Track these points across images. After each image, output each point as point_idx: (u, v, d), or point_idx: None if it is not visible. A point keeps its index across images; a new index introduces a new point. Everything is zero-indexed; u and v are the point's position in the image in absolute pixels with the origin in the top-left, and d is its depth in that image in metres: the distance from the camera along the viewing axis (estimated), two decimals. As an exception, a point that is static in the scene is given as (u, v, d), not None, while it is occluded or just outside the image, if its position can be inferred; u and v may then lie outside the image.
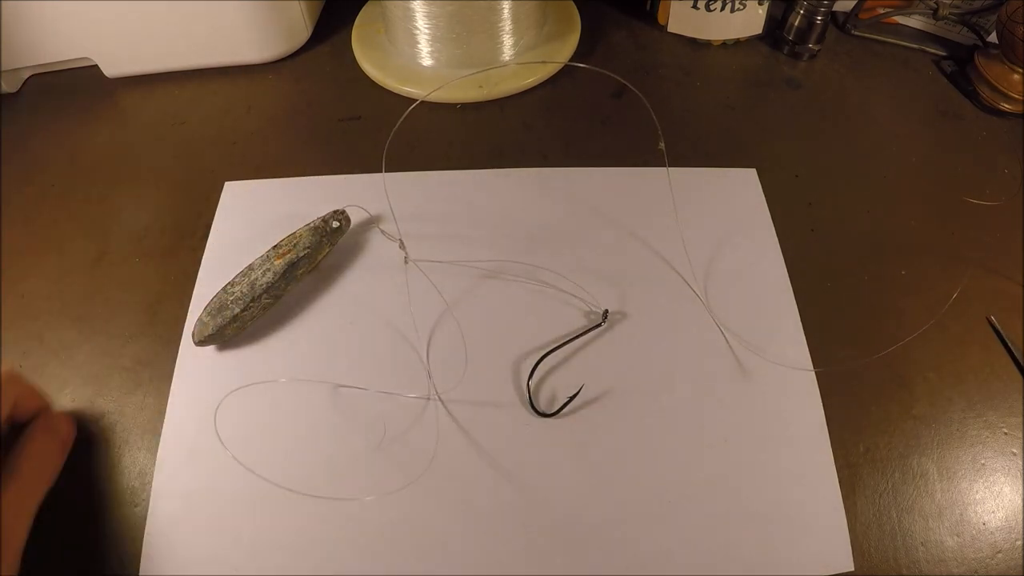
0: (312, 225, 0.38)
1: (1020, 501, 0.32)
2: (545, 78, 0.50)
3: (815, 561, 0.30)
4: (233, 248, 0.39)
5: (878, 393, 0.35)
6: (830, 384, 0.35)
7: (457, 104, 0.48)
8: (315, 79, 0.51)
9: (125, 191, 0.44)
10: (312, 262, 0.38)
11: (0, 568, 0.25)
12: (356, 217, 0.40)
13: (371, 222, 0.41)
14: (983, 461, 0.33)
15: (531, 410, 0.34)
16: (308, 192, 0.42)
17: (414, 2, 0.46)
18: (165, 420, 0.33)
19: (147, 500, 0.31)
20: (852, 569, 0.30)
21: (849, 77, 0.52)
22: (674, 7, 0.52)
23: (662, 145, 0.40)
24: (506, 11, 0.47)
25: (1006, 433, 0.34)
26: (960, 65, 0.52)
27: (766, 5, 0.51)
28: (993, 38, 0.51)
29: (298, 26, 0.51)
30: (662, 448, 0.33)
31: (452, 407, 0.34)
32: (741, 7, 0.51)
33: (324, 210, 0.39)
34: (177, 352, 0.36)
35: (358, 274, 0.39)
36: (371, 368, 0.35)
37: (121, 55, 0.49)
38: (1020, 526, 0.31)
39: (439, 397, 0.34)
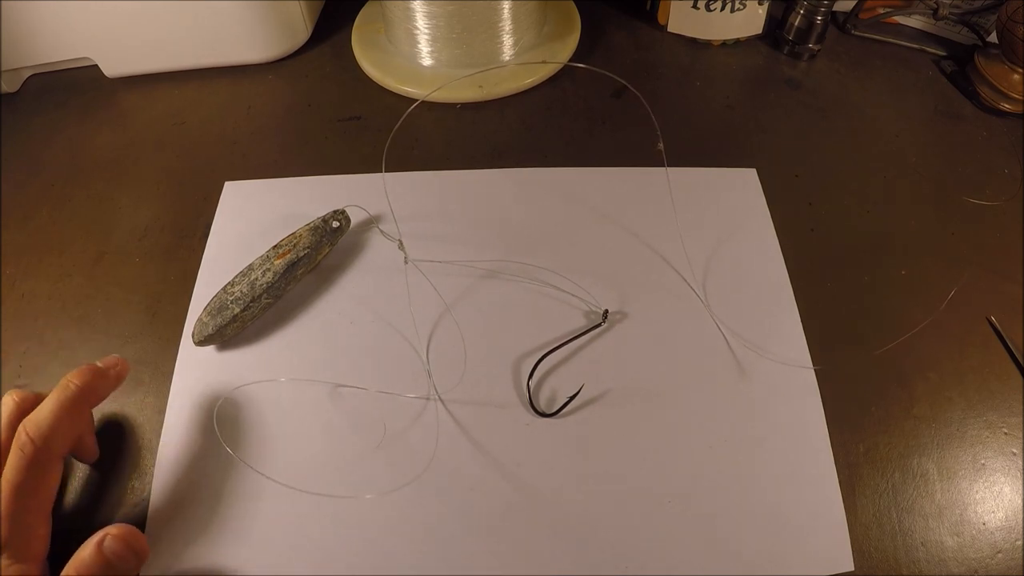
0: (312, 225, 0.38)
1: (1020, 501, 0.32)
2: (545, 78, 0.50)
3: (815, 561, 0.30)
4: (233, 248, 0.39)
5: (878, 393, 0.35)
6: (830, 384, 0.35)
7: (457, 104, 0.48)
8: (315, 79, 0.51)
9: (125, 191, 0.44)
10: (312, 262, 0.38)
11: None
12: (356, 217, 0.40)
13: (371, 222, 0.41)
14: (983, 461, 0.33)
15: (531, 410, 0.34)
16: (308, 192, 0.42)
17: (414, 2, 0.46)
18: (165, 420, 0.33)
19: (147, 500, 0.31)
20: (852, 569, 0.30)
21: (849, 77, 0.52)
22: (674, 7, 0.52)
23: (661, 145, 0.40)
24: (506, 11, 0.47)
25: (1006, 433, 0.34)
26: (960, 65, 0.52)
27: (766, 5, 0.51)
28: (993, 38, 0.51)
29: (298, 26, 0.51)
30: (662, 448, 0.33)
31: (452, 407, 0.34)
32: (741, 7, 0.51)
33: (324, 210, 0.39)
34: (177, 352, 0.36)
35: (358, 274, 0.39)
36: (371, 368, 0.35)
37: (121, 55, 0.49)
38: (1020, 526, 0.31)
39: (439, 397, 0.34)
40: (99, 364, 0.31)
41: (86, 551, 0.26)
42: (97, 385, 0.30)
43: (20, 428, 0.27)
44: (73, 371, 0.30)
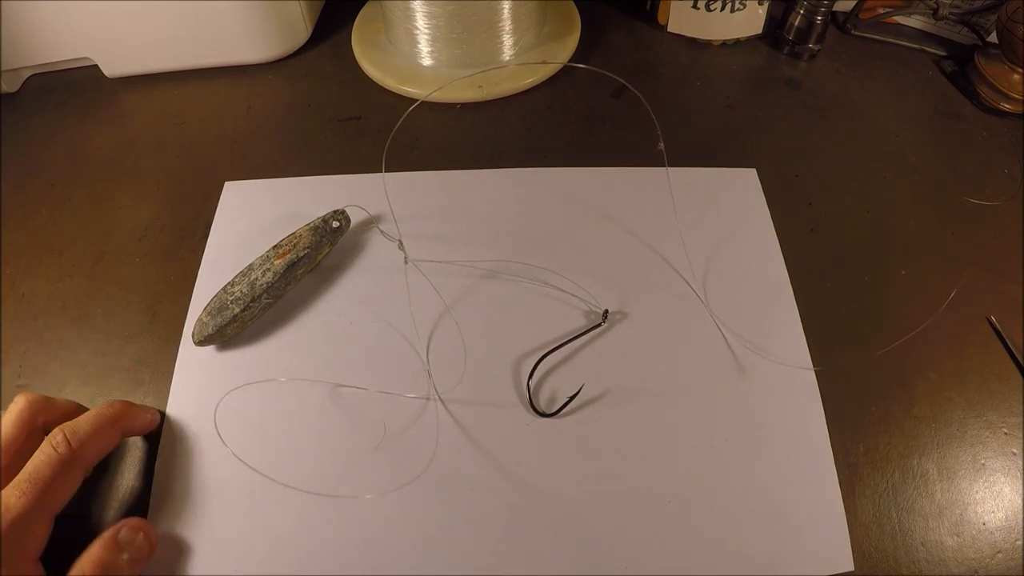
0: (312, 225, 0.38)
1: (1020, 501, 0.32)
2: (545, 78, 0.50)
3: (815, 561, 0.30)
4: (233, 248, 0.39)
5: (878, 393, 0.35)
6: (830, 384, 0.35)
7: (457, 104, 0.48)
8: (315, 79, 0.51)
9: (125, 191, 0.44)
10: (312, 262, 0.38)
11: None
12: (356, 217, 0.40)
13: (371, 222, 0.41)
14: (983, 461, 0.33)
15: (531, 410, 0.34)
16: (308, 192, 0.42)
17: (414, 2, 0.46)
18: (165, 420, 0.33)
19: (147, 500, 0.31)
20: (852, 569, 0.30)
21: (849, 77, 0.52)
22: (674, 7, 0.52)
23: (661, 145, 0.40)
24: (506, 11, 0.47)
25: (1006, 433, 0.34)
26: (960, 65, 0.52)
27: (766, 5, 0.51)
28: (993, 38, 0.51)
29: (298, 26, 0.51)
30: (662, 448, 0.33)
31: (452, 407, 0.34)
32: (741, 7, 0.51)
33: (324, 210, 0.39)
34: (177, 352, 0.36)
35: (358, 274, 0.39)
36: (371, 368, 0.35)
37: (121, 55, 0.49)
38: (1020, 526, 0.31)
39: (439, 397, 0.34)
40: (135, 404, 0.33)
41: (96, 547, 0.28)
42: (136, 414, 0.32)
43: (57, 430, 0.28)
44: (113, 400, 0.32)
